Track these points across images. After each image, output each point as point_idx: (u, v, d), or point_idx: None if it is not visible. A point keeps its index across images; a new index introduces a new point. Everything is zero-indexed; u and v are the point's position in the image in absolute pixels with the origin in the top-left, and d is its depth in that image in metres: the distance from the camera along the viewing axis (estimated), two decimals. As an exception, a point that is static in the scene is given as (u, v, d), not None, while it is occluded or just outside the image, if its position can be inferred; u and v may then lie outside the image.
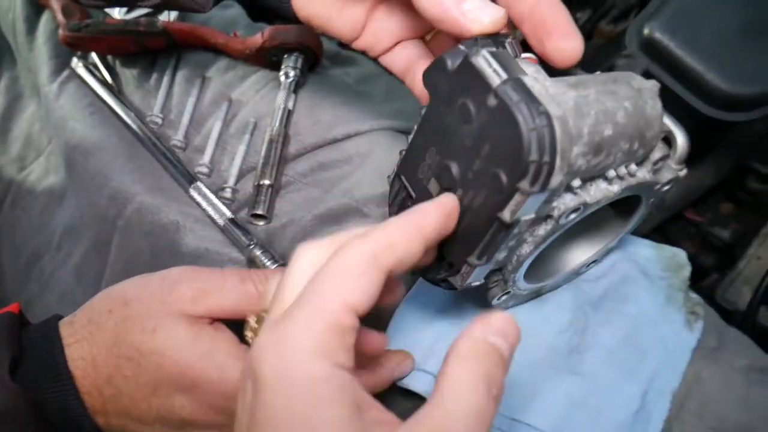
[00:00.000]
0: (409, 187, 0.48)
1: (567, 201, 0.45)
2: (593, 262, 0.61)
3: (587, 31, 1.10)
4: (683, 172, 0.53)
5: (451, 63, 0.42)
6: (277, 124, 0.71)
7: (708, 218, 1.13)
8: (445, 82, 0.42)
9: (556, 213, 0.45)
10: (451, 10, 0.43)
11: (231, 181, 0.71)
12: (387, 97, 0.80)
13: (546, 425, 0.52)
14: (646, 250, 0.63)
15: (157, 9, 0.54)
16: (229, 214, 0.69)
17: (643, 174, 0.49)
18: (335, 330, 0.35)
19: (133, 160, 0.72)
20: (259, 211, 0.67)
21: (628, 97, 0.45)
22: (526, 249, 0.48)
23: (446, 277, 0.47)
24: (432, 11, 0.44)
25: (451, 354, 0.36)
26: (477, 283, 0.48)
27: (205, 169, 0.72)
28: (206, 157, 0.72)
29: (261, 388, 0.34)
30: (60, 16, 0.82)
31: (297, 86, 0.75)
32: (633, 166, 0.48)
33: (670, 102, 0.77)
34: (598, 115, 0.42)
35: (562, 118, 0.39)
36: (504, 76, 0.40)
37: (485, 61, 0.40)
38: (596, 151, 0.43)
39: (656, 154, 0.50)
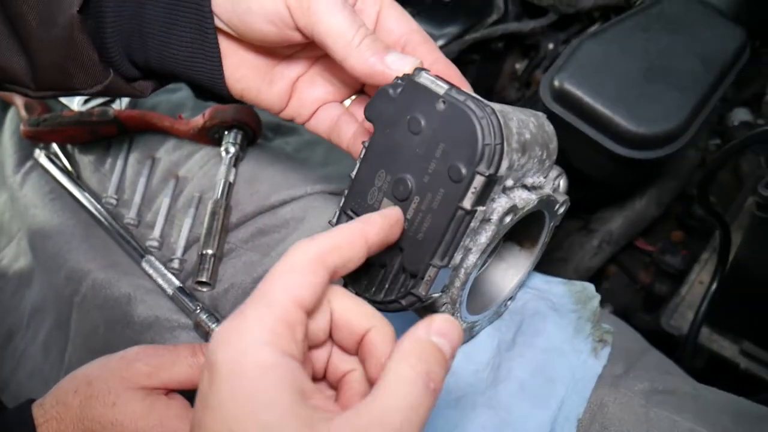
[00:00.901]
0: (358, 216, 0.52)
1: (503, 203, 0.51)
2: (510, 299, 0.66)
3: (525, 80, 1.18)
4: (567, 200, 0.61)
5: (393, 91, 0.49)
6: (218, 196, 0.77)
7: (659, 247, 1.18)
8: (390, 108, 0.49)
9: (495, 216, 0.50)
10: (377, 65, 0.50)
11: (179, 252, 0.76)
12: (325, 162, 0.86)
13: (464, 458, 0.56)
14: (558, 287, 0.68)
15: (99, 96, 0.60)
16: (177, 283, 0.74)
17: (548, 189, 0.57)
18: (284, 323, 0.38)
19: (88, 239, 0.78)
20: (203, 279, 0.72)
21: (531, 116, 0.53)
22: (471, 259, 0.52)
23: (411, 289, 0.49)
24: (361, 70, 0.51)
25: (395, 352, 0.39)
26: (436, 295, 0.50)
27: (155, 243, 0.78)
28: (156, 232, 0.78)
29: (215, 375, 0.37)
30: (22, 112, 0.90)
31: (237, 160, 0.81)
32: (542, 179, 0.56)
33: (590, 145, 0.84)
34: (518, 121, 0.50)
35: (501, 112, 0.47)
36: (446, 86, 0.47)
37: (427, 79, 0.48)
38: (522, 150, 0.50)
39: (554, 173, 0.58)
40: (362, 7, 0.56)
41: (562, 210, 0.63)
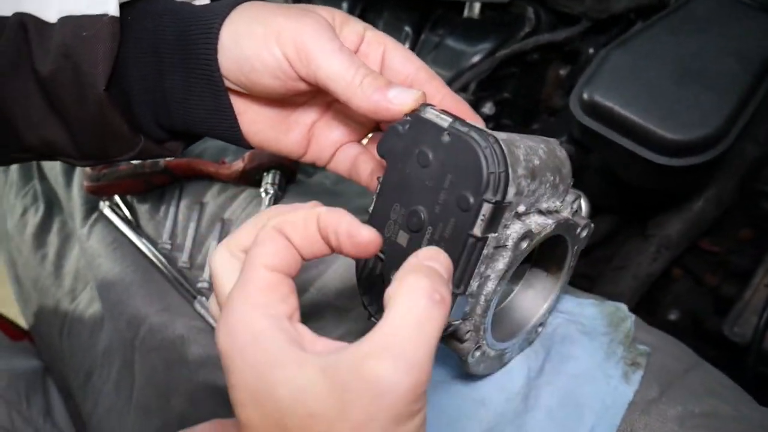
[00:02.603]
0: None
1: (517, 229, 0.52)
2: (540, 325, 0.66)
3: (569, 86, 1.15)
4: (588, 223, 0.61)
5: (402, 127, 0.52)
6: (258, 237, 0.81)
7: (726, 247, 1.13)
8: (399, 143, 0.51)
9: (510, 242, 0.52)
10: (380, 102, 0.52)
11: (226, 293, 0.81)
12: (362, 193, 0.89)
13: (493, 489, 0.57)
14: (589, 309, 0.67)
15: (135, 159, 0.65)
16: (226, 322, 0.79)
17: (565, 213, 0.58)
18: (264, 289, 0.41)
19: (145, 285, 0.84)
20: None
21: (541, 142, 0.54)
22: (490, 286, 0.54)
23: None
24: (365, 107, 0.53)
25: (393, 282, 0.40)
26: (456, 322, 0.53)
27: (206, 285, 0.83)
28: (206, 274, 0.84)
29: (225, 360, 0.41)
30: (86, 169, 0.97)
31: (276, 199, 0.85)
32: (558, 203, 0.57)
33: (629, 156, 0.82)
34: (526, 148, 0.51)
35: (506, 141, 0.49)
36: (450, 119, 0.50)
37: (432, 114, 0.50)
38: (532, 176, 0.51)
39: (570, 197, 0.59)
40: (367, 50, 0.58)
41: (584, 234, 0.63)
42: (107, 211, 0.95)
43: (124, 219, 0.94)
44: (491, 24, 1.05)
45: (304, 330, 0.42)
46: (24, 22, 0.55)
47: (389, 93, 0.52)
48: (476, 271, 0.50)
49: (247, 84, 0.57)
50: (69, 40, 0.55)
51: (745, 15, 0.81)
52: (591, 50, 1.09)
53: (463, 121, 0.49)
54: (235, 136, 0.62)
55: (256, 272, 0.42)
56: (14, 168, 1.14)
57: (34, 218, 1.09)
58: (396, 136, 0.52)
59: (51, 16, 0.55)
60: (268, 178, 0.86)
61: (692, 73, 0.80)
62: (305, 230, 0.44)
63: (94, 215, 0.96)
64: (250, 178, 0.88)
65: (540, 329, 0.66)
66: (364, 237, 0.43)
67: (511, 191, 0.48)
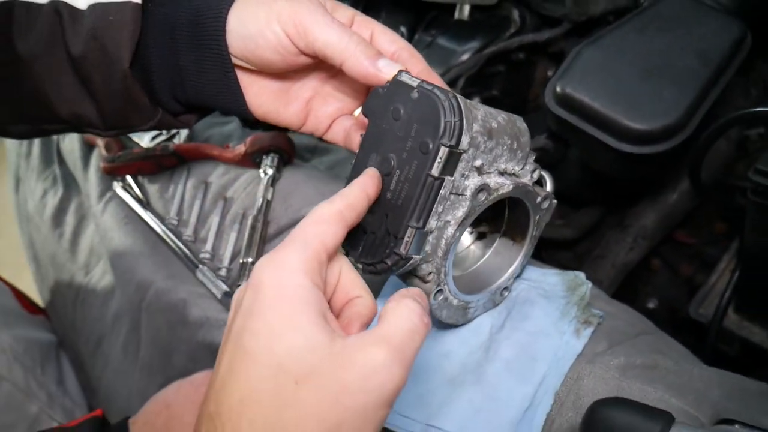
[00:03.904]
0: None
1: (475, 181, 0.61)
2: (505, 289, 0.73)
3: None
4: (550, 195, 0.70)
5: (382, 90, 0.61)
6: (256, 212, 0.89)
7: (701, 239, 1.19)
8: (379, 103, 0.61)
9: (468, 192, 0.61)
10: (370, 68, 0.62)
11: (226, 262, 0.89)
12: (353, 177, 0.96)
13: (453, 428, 0.64)
14: (552, 277, 0.74)
15: (152, 129, 0.74)
16: (225, 287, 0.86)
17: (525, 179, 0.67)
18: (315, 260, 0.48)
19: (153, 255, 0.92)
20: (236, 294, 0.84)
21: (503, 113, 0.63)
22: (450, 231, 0.62)
23: (393, 249, 0.59)
24: (357, 71, 0.62)
25: (391, 300, 0.49)
26: (417, 256, 0.60)
27: (208, 255, 0.91)
28: (208, 246, 0.91)
29: (259, 291, 0.46)
30: (103, 151, 1.06)
31: (274, 180, 0.93)
32: (517, 168, 0.66)
33: (599, 145, 0.89)
34: (485, 112, 0.61)
35: (465, 101, 0.59)
36: (419, 80, 0.59)
37: (406, 77, 0.60)
38: (489, 135, 0.60)
39: (530, 167, 0.68)
40: (357, 30, 0.67)
41: (546, 205, 0.70)
42: (119, 191, 1.03)
43: (135, 197, 1.02)
44: (479, 25, 1.13)
45: (328, 309, 0.50)
46: (58, 9, 0.64)
47: (379, 62, 0.62)
48: (434, 209, 0.59)
49: (252, 59, 0.65)
50: (98, 23, 0.63)
51: (707, 16, 0.88)
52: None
53: (429, 83, 0.59)
54: (241, 108, 0.70)
55: (316, 246, 0.49)
56: (36, 153, 1.23)
57: (53, 200, 1.17)
58: (377, 98, 0.61)
59: (81, 3, 0.64)
60: (267, 161, 0.94)
61: (656, 68, 0.86)
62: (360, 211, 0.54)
63: (109, 194, 1.04)
64: (250, 161, 0.96)
65: (505, 293, 0.73)
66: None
67: (465, 140, 0.57)
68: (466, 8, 1.13)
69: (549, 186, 0.72)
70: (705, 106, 0.86)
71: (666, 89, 0.85)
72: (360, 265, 0.62)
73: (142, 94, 0.67)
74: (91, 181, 1.09)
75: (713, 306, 0.99)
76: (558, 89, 0.90)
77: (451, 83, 1.09)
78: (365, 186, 0.56)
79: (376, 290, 0.77)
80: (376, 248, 0.60)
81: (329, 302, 0.53)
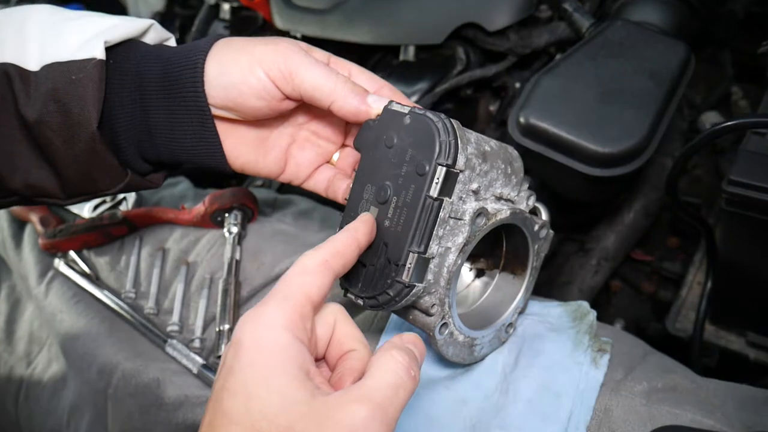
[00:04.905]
0: None
1: (473, 205, 0.59)
2: (510, 326, 0.70)
3: (500, 119, 1.24)
4: (546, 224, 0.69)
5: (373, 122, 0.60)
6: (226, 275, 0.83)
7: (657, 255, 1.22)
8: (370, 134, 0.60)
9: (467, 217, 0.59)
10: (361, 106, 0.60)
11: (198, 332, 0.82)
12: (322, 227, 0.92)
13: (485, 480, 0.60)
14: (554, 309, 0.73)
15: (120, 192, 0.68)
16: (200, 361, 0.79)
17: (522, 206, 0.66)
18: (298, 314, 0.46)
19: (113, 334, 0.84)
20: (222, 354, 0.77)
21: (494, 139, 0.62)
22: (451, 258, 0.59)
23: (395, 277, 0.56)
24: (347, 110, 0.60)
25: (379, 350, 0.48)
26: (420, 285, 0.57)
27: (176, 327, 0.83)
28: (175, 317, 0.84)
29: (239, 349, 0.45)
30: (38, 227, 0.97)
31: (240, 238, 0.87)
32: (513, 194, 0.64)
33: (565, 171, 0.89)
34: (477, 136, 0.59)
35: (458, 124, 0.57)
36: (410, 107, 0.58)
37: (397, 105, 0.59)
38: (483, 158, 0.59)
39: (525, 194, 0.67)
40: (335, 69, 0.64)
41: (543, 234, 0.69)
42: (63, 268, 0.94)
43: (82, 273, 0.93)
44: (426, 65, 1.13)
45: (312, 363, 0.47)
46: (7, 71, 0.58)
47: (368, 99, 0.61)
48: (434, 233, 0.56)
49: (234, 107, 0.61)
50: (58, 84, 0.57)
51: (652, 38, 0.92)
52: (517, 84, 1.18)
53: (420, 107, 0.58)
54: (218, 161, 0.65)
55: (298, 298, 0.47)
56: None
57: (-21, 288, 1.06)
58: (368, 129, 0.60)
59: (32, 65, 0.58)
60: (230, 219, 0.88)
61: (613, 92, 0.88)
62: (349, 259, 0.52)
63: (50, 273, 0.95)
64: (211, 220, 0.90)
65: (510, 330, 0.71)
66: None
67: (461, 159, 0.56)
68: (411, 49, 1.12)
69: (544, 215, 0.71)
70: (664, 124, 0.88)
71: (626, 111, 0.87)
72: (361, 301, 0.59)
73: (110, 156, 0.61)
74: (26, 260, 0.98)
75: (688, 320, 1.01)
76: (521, 119, 0.90)
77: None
78: (356, 232, 0.54)
79: (380, 329, 0.72)
80: (377, 280, 0.58)
81: (325, 356, 0.52)
